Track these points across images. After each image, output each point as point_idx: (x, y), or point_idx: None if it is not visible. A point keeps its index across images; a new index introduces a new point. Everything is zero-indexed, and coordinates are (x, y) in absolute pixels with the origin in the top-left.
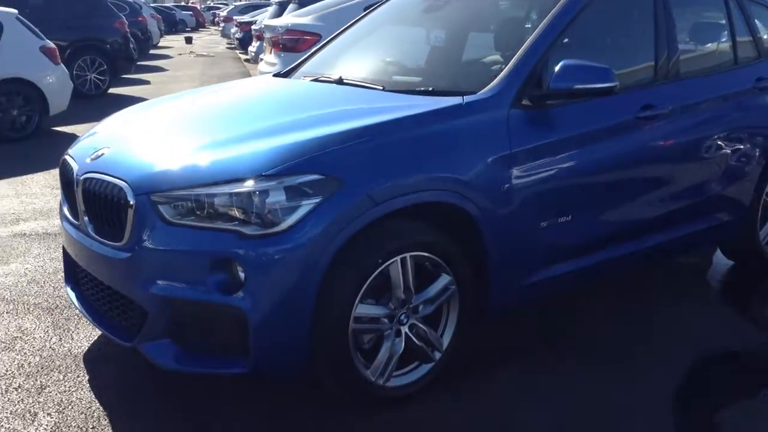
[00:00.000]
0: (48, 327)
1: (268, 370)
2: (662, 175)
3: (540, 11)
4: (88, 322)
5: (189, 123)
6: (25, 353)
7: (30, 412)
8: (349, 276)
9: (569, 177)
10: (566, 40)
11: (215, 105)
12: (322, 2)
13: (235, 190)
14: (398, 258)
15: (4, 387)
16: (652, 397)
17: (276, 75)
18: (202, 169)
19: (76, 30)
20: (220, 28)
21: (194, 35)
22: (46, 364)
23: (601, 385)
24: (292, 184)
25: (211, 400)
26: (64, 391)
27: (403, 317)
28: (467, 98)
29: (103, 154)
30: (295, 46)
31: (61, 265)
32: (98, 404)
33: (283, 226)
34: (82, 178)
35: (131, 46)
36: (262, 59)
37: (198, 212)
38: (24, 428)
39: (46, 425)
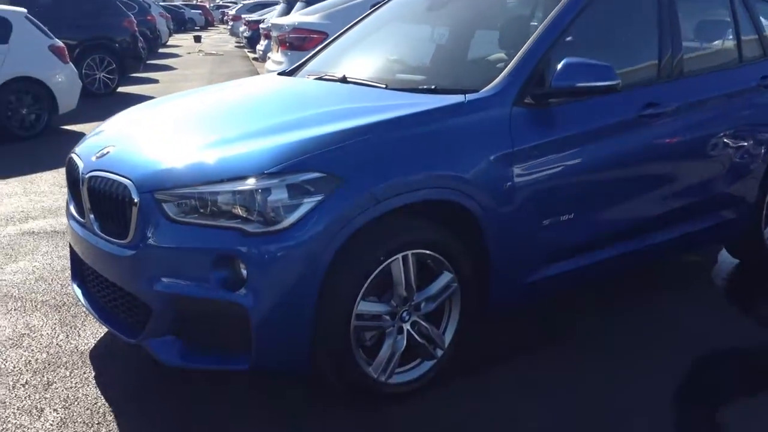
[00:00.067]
0: (55, 324)
1: (269, 366)
2: (665, 173)
3: (543, 9)
4: (94, 319)
5: (193, 121)
6: (33, 350)
7: (37, 408)
8: (351, 273)
9: (571, 175)
10: (569, 38)
11: (219, 103)
12: (329, 0)
13: (238, 188)
14: (400, 256)
15: (11, 383)
16: (654, 396)
17: (281, 73)
18: (206, 167)
19: (85, 29)
20: (229, 27)
21: (203, 34)
22: (53, 360)
23: (603, 383)
24: (294, 182)
25: (216, 397)
26: (71, 388)
27: (405, 314)
28: (469, 96)
29: (108, 153)
30: (302, 44)
31: (69, 263)
32: (104, 400)
33: (285, 223)
34: (87, 176)
35: (140, 45)
36: (269, 58)
37: (201, 210)
38: (31, 424)
39: (53, 421)
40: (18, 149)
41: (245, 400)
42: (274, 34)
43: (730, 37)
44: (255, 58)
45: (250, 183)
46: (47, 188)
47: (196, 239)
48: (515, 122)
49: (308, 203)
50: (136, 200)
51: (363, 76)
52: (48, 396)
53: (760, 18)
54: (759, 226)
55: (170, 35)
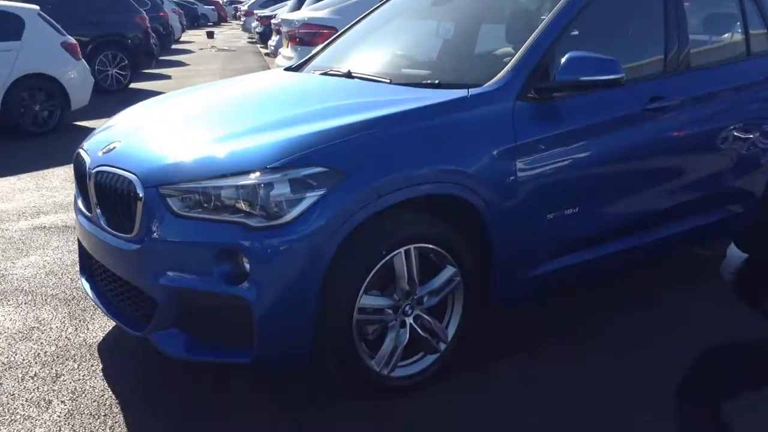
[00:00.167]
0: (64, 317)
1: (272, 359)
2: (671, 166)
3: (549, 3)
4: (102, 312)
5: (198, 117)
6: (42, 343)
7: (45, 400)
8: (353, 267)
9: (576, 169)
10: (574, 32)
11: (224, 99)
12: None
13: (241, 183)
14: (402, 250)
15: (20, 375)
16: (658, 391)
17: (287, 69)
18: (210, 162)
19: (98, 26)
20: (242, 23)
21: (216, 30)
22: (62, 353)
23: (606, 377)
24: (297, 176)
25: (219, 391)
26: (78, 380)
27: (407, 308)
28: (472, 91)
29: (114, 148)
30: (312, 39)
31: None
32: (110, 392)
33: (288, 217)
34: (94, 171)
35: (152, 41)
36: (280, 53)
37: (205, 204)
38: (38, 415)
39: (60, 412)
40: (31, 145)
41: (247, 394)
42: (284, 29)
43: (738, 30)
44: (267, 54)
45: (253, 177)
46: (59, 183)
47: (199, 233)
48: (518, 116)
49: (311, 197)
50: (141, 195)
51: (368, 71)
52: (56, 388)
53: None
54: (767, 220)
55: (183, 31)
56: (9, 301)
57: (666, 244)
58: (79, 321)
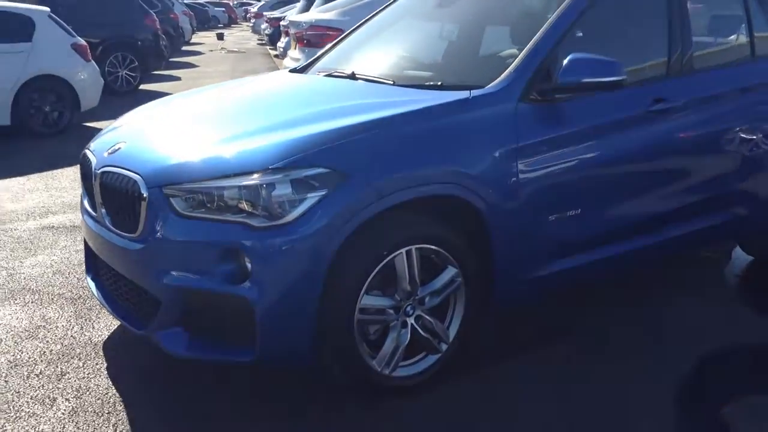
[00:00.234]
0: (70, 316)
1: (273, 359)
2: (674, 168)
3: (552, 5)
4: (107, 311)
5: (202, 118)
6: (48, 341)
7: (49, 398)
8: (355, 267)
9: (578, 171)
10: (579, 34)
11: (229, 100)
12: None
13: (244, 183)
14: (403, 250)
15: (26, 373)
16: (660, 394)
17: (292, 71)
18: (213, 163)
19: (108, 27)
20: (251, 24)
21: (226, 31)
22: (67, 351)
23: (608, 378)
24: (298, 177)
25: (223, 390)
26: (83, 378)
27: (409, 309)
28: (474, 92)
29: (119, 149)
30: (319, 41)
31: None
32: (114, 391)
33: (289, 218)
34: (99, 171)
35: (162, 43)
36: (288, 55)
37: (208, 205)
38: (43, 413)
39: (64, 410)
40: (40, 146)
41: (248, 394)
42: (291, 31)
43: (743, 32)
44: (276, 55)
45: (255, 178)
46: (68, 184)
47: (202, 233)
48: (521, 118)
49: (312, 198)
50: (145, 195)
51: (371, 72)
52: (61, 386)
53: None
54: None
55: (193, 33)
56: (16, 299)
57: (669, 246)
58: (85, 320)
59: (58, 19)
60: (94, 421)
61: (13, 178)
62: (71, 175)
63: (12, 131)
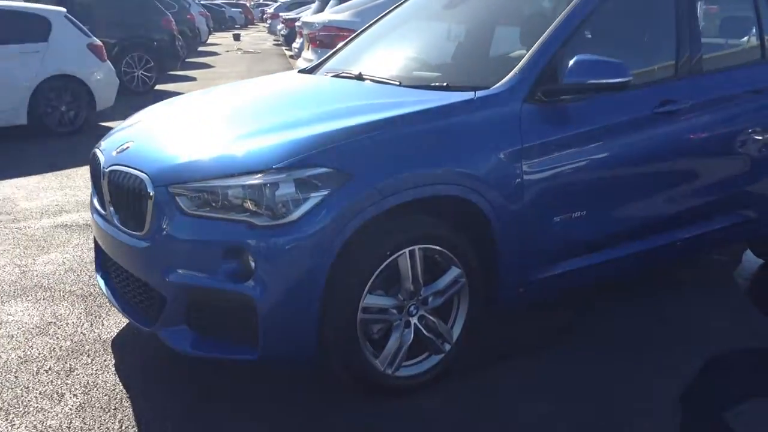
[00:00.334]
0: (81, 313)
1: (276, 357)
2: (681, 170)
3: (559, 6)
4: (115, 308)
5: (208, 118)
6: (58, 338)
7: (58, 393)
8: (357, 267)
9: (583, 172)
10: (583, 35)
11: (236, 101)
12: None
13: (248, 183)
14: (407, 250)
15: (35, 369)
16: (663, 394)
17: (301, 71)
18: (218, 162)
19: (125, 28)
20: (268, 25)
21: (243, 32)
22: (77, 348)
23: (611, 380)
24: (301, 176)
25: (226, 389)
26: (91, 374)
27: (412, 308)
28: (479, 93)
29: (128, 148)
30: (332, 42)
31: None
32: (121, 387)
33: (292, 217)
34: (108, 170)
35: (178, 43)
36: (301, 55)
37: (213, 203)
38: (51, 408)
39: (72, 405)
40: (56, 145)
41: (250, 393)
42: (305, 32)
43: (754, 34)
44: (291, 56)
45: (259, 177)
46: (82, 183)
47: (207, 232)
48: (525, 119)
49: (315, 198)
50: (151, 194)
51: (378, 73)
52: (69, 382)
53: None
54: None
55: (210, 33)
56: (28, 296)
57: (676, 249)
58: (95, 317)
59: (75, 19)
60: (100, 416)
61: (29, 177)
62: (85, 174)
63: (28, 130)
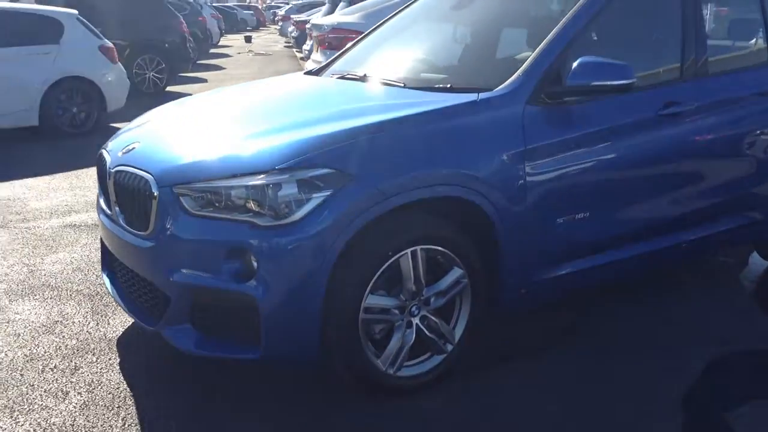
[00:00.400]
0: (87, 312)
1: (278, 356)
2: (685, 172)
3: (565, 8)
4: (120, 307)
5: (214, 119)
6: (64, 336)
7: (62, 391)
8: (359, 267)
9: (586, 174)
10: (587, 37)
11: (241, 102)
12: (369, 0)
13: (251, 183)
14: (409, 251)
15: (41, 367)
16: (667, 394)
17: (307, 73)
18: (222, 163)
19: (136, 30)
20: (279, 27)
21: (254, 34)
22: (82, 347)
23: (615, 380)
24: (304, 177)
25: (229, 389)
26: (96, 373)
27: (414, 309)
28: (482, 95)
29: (133, 148)
30: (340, 44)
31: None
32: (126, 386)
33: (295, 217)
34: (113, 170)
35: (189, 45)
36: (311, 57)
37: (216, 204)
38: (55, 406)
39: (76, 403)
40: (67, 146)
41: (252, 393)
42: (314, 34)
43: (761, 36)
44: (302, 58)
45: (262, 178)
46: (91, 183)
47: (210, 232)
48: (528, 120)
49: (318, 198)
50: (155, 194)
51: (383, 75)
52: (74, 380)
53: None
54: None
55: (222, 35)
56: (36, 295)
57: (681, 250)
58: (101, 316)
59: (86, 21)
60: (104, 414)
61: (39, 177)
62: (95, 174)
63: (40, 131)
